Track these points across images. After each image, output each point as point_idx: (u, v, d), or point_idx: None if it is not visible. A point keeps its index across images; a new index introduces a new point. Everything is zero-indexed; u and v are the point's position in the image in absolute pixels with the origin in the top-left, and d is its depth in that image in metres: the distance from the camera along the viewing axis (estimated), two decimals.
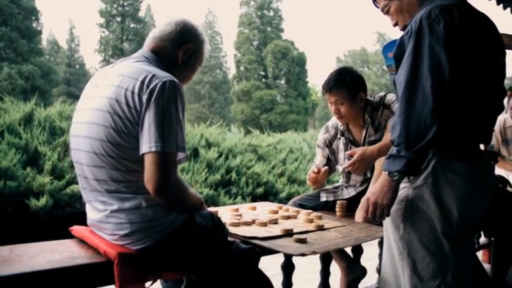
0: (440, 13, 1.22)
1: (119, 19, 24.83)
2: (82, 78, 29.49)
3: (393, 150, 1.24)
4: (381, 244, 2.33)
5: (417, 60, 1.22)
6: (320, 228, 1.64)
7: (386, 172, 1.26)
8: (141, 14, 25.91)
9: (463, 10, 1.26)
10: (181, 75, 1.33)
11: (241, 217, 1.72)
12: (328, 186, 2.25)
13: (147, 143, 1.12)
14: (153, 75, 1.16)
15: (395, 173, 1.23)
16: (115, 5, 24.65)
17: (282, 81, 27.84)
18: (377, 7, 1.53)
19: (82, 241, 1.35)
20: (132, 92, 1.15)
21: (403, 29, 1.46)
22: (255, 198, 6.53)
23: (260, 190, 6.59)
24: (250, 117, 25.61)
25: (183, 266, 1.24)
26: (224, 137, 7.34)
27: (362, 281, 2.14)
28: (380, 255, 2.32)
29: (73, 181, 5.00)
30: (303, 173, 7.81)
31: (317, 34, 77.74)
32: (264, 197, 6.63)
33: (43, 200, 4.45)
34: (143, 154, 1.13)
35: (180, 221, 1.22)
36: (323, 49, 75.45)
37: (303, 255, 1.31)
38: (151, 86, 1.14)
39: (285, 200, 6.64)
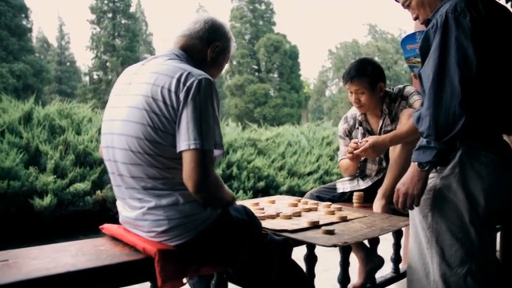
0: (465, 6, 1.24)
1: (110, 15, 24.48)
2: (73, 76, 29.19)
3: (423, 141, 1.27)
4: (395, 234, 2.37)
5: (444, 54, 1.24)
6: (344, 219, 1.67)
7: (416, 163, 1.29)
8: (132, 10, 25.65)
9: (487, 3, 1.28)
10: (209, 73, 1.34)
11: (264, 211, 1.74)
12: (343, 178, 2.28)
13: (186, 140, 1.12)
14: (189, 73, 1.17)
15: (425, 164, 1.26)
16: (106, 1, 24.31)
17: (275, 75, 27.83)
18: (397, 1, 1.55)
19: (115, 239, 1.36)
20: (169, 90, 1.15)
21: (424, 23, 1.48)
22: (257, 192, 6.56)
23: (261, 184, 6.62)
24: (244, 111, 25.59)
25: (220, 260, 1.26)
26: (223, 132, 7.34)
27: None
28: (395, 245, 2.37)
29: (76, 179, 4.99)
30: (302, 166, 7.86)
31: (308, 26, 77.68)
32: (265, 191, 6.66)
33: (47, 200, 4.43)
34: (181, 152, 1.14)
35: (215, 216, 1.23)
36: (315, 41, 75.41)
37: (335, 246, 1.34)
38: (187, 84, 1.15)
39: (285, 193, 6.69)
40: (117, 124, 1.23)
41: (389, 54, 33.28)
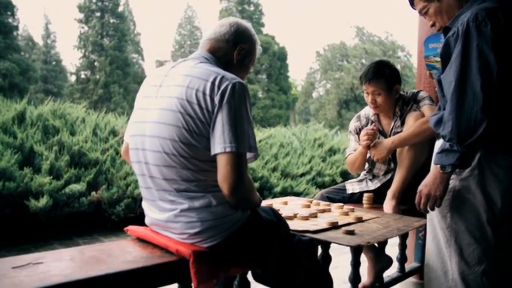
0: (486, 15, 1.30)
1: (98, 14, 24.24)
2: (59, 75, 28.74)
3: (446, 145, 1.32)
4: (401, 236, 2.42)
5: (466, 61, 1.29)
6: (360, 220, 1.71)
7: (439, 166, 1.33)
8: (120, 9, 25.41)
9: (506, 12, 1.34)
10: (237, 75, 1.36)
11: (280, 212, 1.76)
12: (352, 179, 2.32)
13: (221, 143, 1.14)
14: (223, 77, 1.19)
15: (448, 166, 1.31)
16: (94, 0, 24.07)
17: (264, 76, 27.93)
18: (414, 9, 1.59)
19: (141, 241, 1.37)
20: (204, 93, 1.17)
21: (440, 29, 1.54)
22: None
23: (255, 185, 6.64)
24: None
25: (250, 260, 1.28)
26: None
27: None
28: (401, 245, 2.42)
29: (71, 180, 4.94)
30: (295, 167, 7.92)
31: (297, 28, 78.11)
32: (259, 192, 6.68)
33: (43, 201, 4.37)
34: (215, 154, 1.16)
35: (245, 217, 1.25)
36: (303, 43, 75.89)
37: (359, 246, 1.38)
38: (222, 88, 1.17)
39: (279, 195, 6.73)
40: (148, 126, 1.23)
41: (376, 56, 33.63)
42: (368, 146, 2.10)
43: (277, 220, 1.32)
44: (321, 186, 7.73)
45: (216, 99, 1.16)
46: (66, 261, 1.15)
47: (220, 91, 1.16)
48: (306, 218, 1.69)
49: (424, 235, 2.56)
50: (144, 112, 1.27)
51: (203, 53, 1.34)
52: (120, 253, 1.24)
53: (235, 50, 1.37)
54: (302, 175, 7.82)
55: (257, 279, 1.38)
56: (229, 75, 1.21)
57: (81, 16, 24.31)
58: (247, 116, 1.19)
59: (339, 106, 33.71)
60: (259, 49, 1.45)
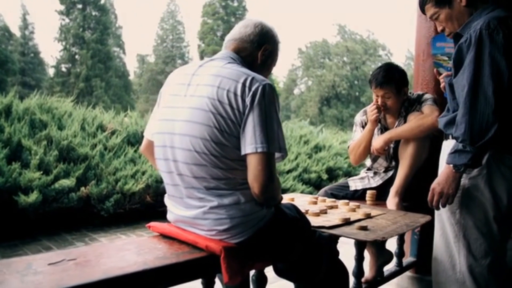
0: (498, 24, 1.37)
1: (80, 6, 23.70)
2: (37, 68, 27.96)
3: (459, 146, 1.39)
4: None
5: (479, 67, 1.37)
6: (368, 216, 1.78)
7: (451, 165, 1.41)
8: (102, 1, 24.90)
9: None
10: (260, 75, 1.39)
11: None
12: (354, 177, 2.40)
13: (253, 143, 1.17)
14: (253, 78, 1.22)
15: (461, 166, 1.39)
16: None
17: None
18: (424, 14, 1.66)
19: (165, 237, 1.39)
20: (235, 94, 1.20)
21: (450, 35, 1.61)
22: None
23: None
24: None
25: (275, 256, 1.32)
26: None
27: None
28: (399, 240, 2.51)
29: (60, 176, 4.87)
30: (281, 164, 7.99)
31: (279, 25, 78.27)
32: None
33: (33, 196, 4.30)
34: (245, 154, 1.19)
35: (271, 214, 1.30)
36: (285, 40, 76.10)
37: (375, 241, 1.44)
38: (253, 89, 1.20)
39: None
40: (178, 125, 1.25)
41: (358, 54, 34.09)
42: (376, 121, 2.19)
43: (299, 217, 1.37)
44: (307, 182, 7.83)
45: (247, 100, 1.19)
46: (98, 257, 1.16)
47: (251, 92, 1.20)
48: (317, 214, 1.74)
49: (420, 231, 2.67)
50: (173, 111, 1.29)
51: (229, 53, 1.37)
52: (148, 250, 1.26)
53: (260, 50, 1.40)
54: (289, 171, 7.89)
55: (279, 273, 1.43)
56: (258, 76, 1.25)
57: (62, 7, 23.71)
58: (276, 117, 1.22)
59: (321, 103, 34.04)
60: (280, 50, 1.49)
